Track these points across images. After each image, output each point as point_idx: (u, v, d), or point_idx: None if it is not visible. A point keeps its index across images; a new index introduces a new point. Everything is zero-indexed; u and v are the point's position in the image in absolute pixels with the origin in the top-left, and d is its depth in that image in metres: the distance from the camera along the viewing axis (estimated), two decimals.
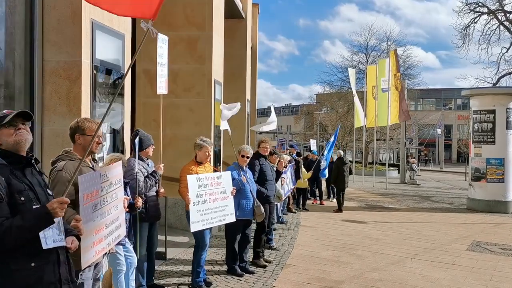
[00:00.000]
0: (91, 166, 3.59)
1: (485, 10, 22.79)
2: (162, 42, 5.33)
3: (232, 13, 12.10)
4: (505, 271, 7.33)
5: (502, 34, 22.56)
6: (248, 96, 13.46)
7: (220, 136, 9.63)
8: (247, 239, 6.54)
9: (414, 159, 31.62)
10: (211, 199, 5.61)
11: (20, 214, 2.43)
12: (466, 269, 7.38)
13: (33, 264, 2.49)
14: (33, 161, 2.69)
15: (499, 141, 15.02)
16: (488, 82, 22.48)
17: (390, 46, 35.82)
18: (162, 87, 5.38)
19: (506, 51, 23.00)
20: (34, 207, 2.51)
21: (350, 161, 23.04)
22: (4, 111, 2.65)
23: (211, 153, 5.88)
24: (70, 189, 3.18)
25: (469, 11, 23.29)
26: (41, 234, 2.51)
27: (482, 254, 8.52)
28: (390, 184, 23.70)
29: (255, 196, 6.34)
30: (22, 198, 2.50)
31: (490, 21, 22.84)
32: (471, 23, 23.21)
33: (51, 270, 2.58)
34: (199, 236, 5.63)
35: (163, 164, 5.40)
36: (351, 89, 33.62)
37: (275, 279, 6.32)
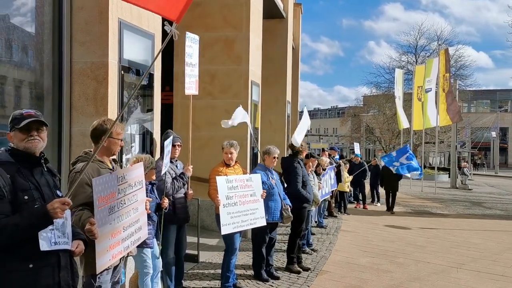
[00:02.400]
0: (110, 167, 3.53)
1: None
2: (192, 42, 5.24)
3: (273, 13, 11.94)
4: None
5: None
6: (288, 98, 13.25)
7: (258, 138, 9.49)
8: (273, 242, 6.36)
9: (466, 163, 30.30)
10: (241, 202, 5.47)
11: (19, 213, 2.38)
12: None
13: (31, 266, 2.43)
14: (42, 160, 2.63)
15: None
16: None
17: (440, 45, 34.48)
18: (191, 88, 5.30)
19: None
20: (35, 206, 2.46)
21: None
22: (23, 112, 2.61)
23: (234, 155, 5.72)
24: (88, 191, 3.14)
25: None
26: (40, 235, 2.45)
27: None
28: (439, 188, 22.75)
29: (282, 198, 6.14)
30: (26, 197, 2.45)
31: None
32: None
33: (49, 273, 2.51)
34: (228, 239, 5.50)
35: (191, 166, 5.31)
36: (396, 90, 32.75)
37: (308, 286, 6.09)
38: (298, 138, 6.79)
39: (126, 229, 3.46)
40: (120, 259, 3.45)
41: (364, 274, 6.84)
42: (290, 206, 6.11)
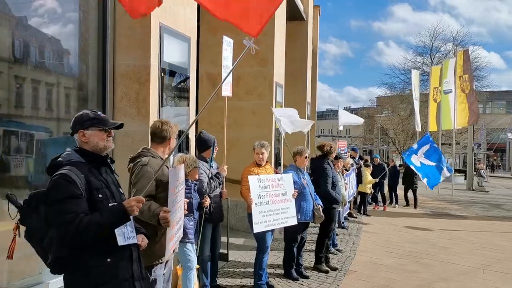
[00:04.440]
0: (167, 166, 3.70)
1: None
2: (228, 45, 5.37)
3: (293, 14, 12.04)
4: None
5: None
6: (308, 99, 13.35)
7: (279, 138, 9.60)
8: (304, 242, 6.46)
9: (482, 165, 30.09)
10: (272, 201, 5.57)
11: (98, 211, 2.50)
12: None
13: (109, 260, 2.56)
14: (108, 160, 2.77)
15: None
16: None
17: (456, 46, 34.30)
18: (226, 90, 5.42)
19: None
20: (110, 204, 2.59)
21: None
22: (98, 113, 2.76)
23: (265, 156, 5.83)
24: (153, 184, 3.34)
25: None
26: (117, 231, 2.58)
27: None
28: (456, 190, 22.63)
29: (314, 198, 6.23)
30: (100, 196, 2.58)
31: None
32: None
33: (125, 267, 2.64)
34: (260, 238, 5.61)
35: (226, 166, 5.44)
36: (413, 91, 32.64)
37: (338, 285, 6.17)
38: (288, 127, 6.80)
39: (176, 224, 3.60)
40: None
41: (391, 274, 6.90)
42: (321, 206, 6.20)
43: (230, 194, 6.12)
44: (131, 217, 2.58)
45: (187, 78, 5.40)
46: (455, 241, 9.90)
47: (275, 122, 8.90)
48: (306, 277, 6.30)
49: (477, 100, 26.91)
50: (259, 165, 5.76)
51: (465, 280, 6.81)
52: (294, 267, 6.28)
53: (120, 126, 2.80)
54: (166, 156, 3.39)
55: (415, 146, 14.18)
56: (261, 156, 5.71)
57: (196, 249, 4.97)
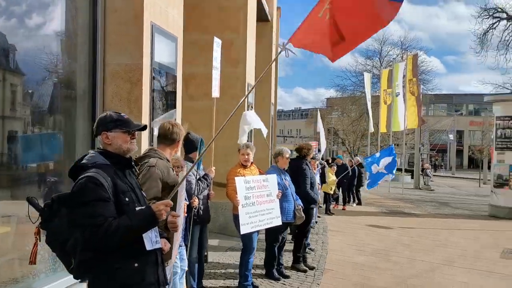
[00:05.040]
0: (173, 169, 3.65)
1: (504, 16, 22.65)
2: (217, 46, 5.33)
3: (260, 16, 12.10)
4: None
5: None
6: (272, 99, 13.47)
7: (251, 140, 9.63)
8: (284, 242, 6.54)
9: (428, 165, 31.50)
10: (258, 202, 5.61)
11: (126, 214, 2.44)
12: (506, 277, 7.31)
13: (136, 265, 2.50)
14: (133, 163, 2.70)
15: None
16: (507, 88, 22.32)
17: (405, 51, 35.72)
18: (215, 91, 5.39)
19: None
20: (138, 208, 2.53)
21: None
22: (122, 114, 2.68)
23: (251, 156, 5.86)
24: (159, 185, 3.27)
25: (488, 16, 23.19)
26: (144, 235, 2.52)
27: None
28: (404, 189, 23.58)
29: (295, 199, 6.33)
30: (127, 199, 2.51)
31: (509, 27, 22.69)
32: (490, 29, 23.10)
33: (152, 271, 2.59)
34: (247, 239, 5.62)
35: (214, 168, 5.40)
36: (364, 93, 33.66)
37: (318, 284, 6.29)
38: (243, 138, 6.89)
39: (180, 227, 3.55)
40: None
41: (366, 272, 7.11)
42: (302, 207, 6.30)
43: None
44: None
45: (175, 78, 5.33)
46: (416, 239, 10.34)
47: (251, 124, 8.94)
48: (287, 277, 6.38)
49: (422, 103, 28.24)
50: (244, 166, 5.77)
51: (434, 276, 7.13)
52: (276, 267, 6.34)
53: (144, 128, 2.75)
54: (193, 162, 3.35)
55: (377, 154, 14.76)
56: (246, 157, 5.73)
57: (186, 252, 4.91)
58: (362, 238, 10.05)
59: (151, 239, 2.58)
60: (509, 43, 22.69)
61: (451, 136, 46.87)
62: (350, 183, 16.21)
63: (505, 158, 15.20)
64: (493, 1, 46.75)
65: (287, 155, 6.29)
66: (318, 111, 22.73)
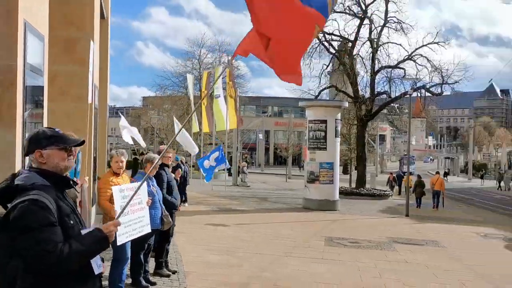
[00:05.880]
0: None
1: None
2: (92, 48, 5.04)
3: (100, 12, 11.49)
4: (364, 261, 8.68)
5: (323, 52, 25.77)
6: (108, 100, 12.91)
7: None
8: (150, 249, 6.51)
9: (244, 163, 33.76)
10: (131, 210, 5.43)
11: (74, 238, 2.30)
12: (336, 262, 8.53)
13: None
14: (71, 182, 2.52)
15: (330, 147, 17.30)
16: (312, 94, 25.43)
17: (221, 55, 37.58)
18: (90, 95, 5.09)
19: (326, 67, 26.35)
20: (84, 231, 2.40)
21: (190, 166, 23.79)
22: (57, 130, 2.46)
23: (124, 164, 5.72)
24: None
25: None
26: (92, 260, 2.40)
27: (340, 248, 9.88)
28: (224, 187, 24.90)
29: (162, 205, 6.35)
30: (71, 222, 2.37)
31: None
32: None
33: None
34: (120, 250, 5.44)
35: (87, 177, 5.11)
36: (185, 94, 34.34)
37: (185, 287, 6.43)
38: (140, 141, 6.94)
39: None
40: None
41: (223, 270, 7.50)
42: (167, 214, 6.34)
43: None
44: None
45: (42, 80, 4.86)
46: (251, 234, 11.18)
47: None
48: (154, 284, 6.35)
49: (238, 105, 30.24)
50: (117, 174, 5.57)
51: (280, 268, 7.91)
52: (142, 274, 6.25)
53: (82, 143, 2.58)
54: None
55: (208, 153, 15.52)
56: (120, 164, 5.54)
57: None
58: (205, 237, 10.44)
59: (97, 263, 2.47)
60: (312, 54, 25.85)
61: (260, 136, 50.98)
62: (181, 183, 16.49)
63: (316, 157, 17.42)
64: None
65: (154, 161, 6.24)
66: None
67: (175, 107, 36.89)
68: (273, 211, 16.30)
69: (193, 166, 25.49)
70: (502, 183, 39.12)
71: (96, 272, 2.44)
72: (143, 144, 11.10)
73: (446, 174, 48.85)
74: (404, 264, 8.69)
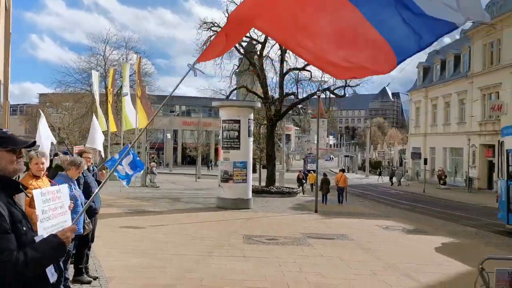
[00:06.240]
0: None
1: (219, 30, 25.85)
2: None
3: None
4: (283, 257, 8.97)
5: (233, 53, 26.06)
6: (9, 98, 11.96)
7: None
8: (70, 255, 6.19)
9: (154, 163, 33.03)
10: (53, 215, 5.11)
11: (29, 246, 2.17)
12: (257, 259, 8.72)
13: None
14: (21, 186, 2.36)
15: (243, 147, 17.56)
16: (223, 94, 25.59)
17: (128, 52, 36.37)
18: None
19: (237, 68, 26.67)
20: (37, 238, 2.27)
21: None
22: (4, 130, 2.28)
23: (45, 166, 5.38)
24: None
25: (207, 29, 26.01)
26: (47, 268, 2.28)
27: (259, 246, 10.11)
28: (134, 188, 24.18)
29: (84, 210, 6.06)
30: (24, 228, 2.25)
31: None
32: (209, 40, 25.97)
33: None
34: None
35: None
36: (89, 91, 32.69)
37: None
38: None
39: None
40: None
41: (146, 273, 7.33)
42: (89, 220, 6.09)
43: None
44: None
45: None
46: (170, 235, 11.03)
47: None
48: None
49: (149, 104, 29.49)
50: (36, 177, 5.21)
51: (203, 267, 7.91)
52: (63, 282, 5.91)
53: (33, 144, 2.42)
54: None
55: (116, 156, 14.82)
56: (41, 166, 5.20)
57: None
58: (121, 240, 10.11)
59: (51, 272, 2.35)
60: (223, 54, 26.04)
61: (168, 135, 50.16)
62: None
63: (230, 156, 17.59)
64: (211, 16, 51.90)
65: (85, 167, 5.97)
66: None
67: (78, 105, 34.99)
68: (188, 211, 16.19)
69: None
70: (394, 179, 42.25)
71: (51, 281, 2.32)
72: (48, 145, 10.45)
73: (342, 171, 51.80)
74: (320, 258, 9.13)
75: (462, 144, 36.98)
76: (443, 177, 38.22)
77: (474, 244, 11.81)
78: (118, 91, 32.12)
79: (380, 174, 51.92)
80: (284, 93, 26.68)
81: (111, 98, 26.38)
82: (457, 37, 45.79)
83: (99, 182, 7.45)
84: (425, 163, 39.19)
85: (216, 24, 26.37)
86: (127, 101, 25.25)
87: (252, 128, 18.83)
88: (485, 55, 35.04)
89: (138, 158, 14.68)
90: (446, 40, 62.50)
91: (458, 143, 38.17)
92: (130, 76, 27.49)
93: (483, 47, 35.13)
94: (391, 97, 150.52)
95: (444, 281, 7.71)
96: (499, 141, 15.76)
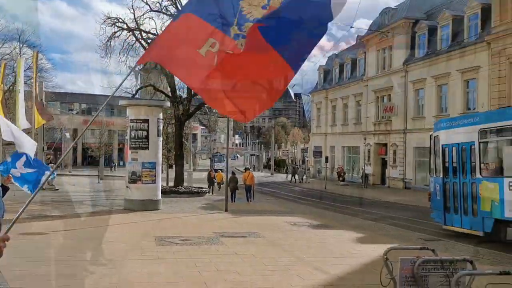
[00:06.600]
0: None
1: (125, 26, 24.99)
2: None
3: None
4: (199, 257, 9.02)
5: (139, 50, 25.31)
6: None
7: None
8: None
9: (52, 164, 31.04)
10: None
11: None
12: (173, 260, 8.68)
13: None
14: None
15: (152, 147, 17.23)
16: (129, 93, 24.78)
17: (22, 45, 33.87)
18: None
19: (144, 66, 25.95)
20: None
21: None
22: None
23: None
24: None
25: (111, 24, 24.99)
26: None
27: (172, 247, 10.04)
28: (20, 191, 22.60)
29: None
30: None
31: (129, 37, 25.25)
32: (113, 37, 25.00)
33: None
34: None
35: None
36: None
37: None
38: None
39: None
40: None
41: (57, 282, 7.00)
42: None
43: None
44: None
45: None
46: (77, 240, 10.64)
47: None
48: None
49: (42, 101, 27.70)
50: None
51: (118, 272, 7.71)
52: None
53: None
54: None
55: (9, 159, 13.74)
56: None
57: None
58: (24, 248, 9.43)
59: None
60: (129, 51, 25.29)
61: (68, 134, 47.44)
62: None
63: (138, 157, 17.16)
64: (115, 12, 49.81)
65: None
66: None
67: None
68: (94, 214, 15.58)
69: None
70: (296, 176, 43.90)
71: None
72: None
73: (247, 169, 52.80)
74: (234, 256, 9.31)
75: (358, 143, 39.56)
76: (342, 174, 40.56)
77: (374, 237, 12.76)
78: (11, 88, 29.86)
79: (286, 172, 53.64)
80: (192, 93, 26.56)
81: (1, 95, 24.36)
82: (353, 42, 48.84)
83: (3, 187, 7.00)
84: (326, 161, 41.33)
85: (120, 20, 25.49)
86: (20, 98, 23.53)
87: (161, 128, 18.55)
88: (378, 60, 37.82)
89: (34, 158, 13.75)
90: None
91: (355, 142, 40.77)
92: (24, 71, 25.67)
93: (377, 52, 37.89)
94: (293, 98, 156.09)
95: (351, 271, 8.29)
96: (431, 136, 14.68)
